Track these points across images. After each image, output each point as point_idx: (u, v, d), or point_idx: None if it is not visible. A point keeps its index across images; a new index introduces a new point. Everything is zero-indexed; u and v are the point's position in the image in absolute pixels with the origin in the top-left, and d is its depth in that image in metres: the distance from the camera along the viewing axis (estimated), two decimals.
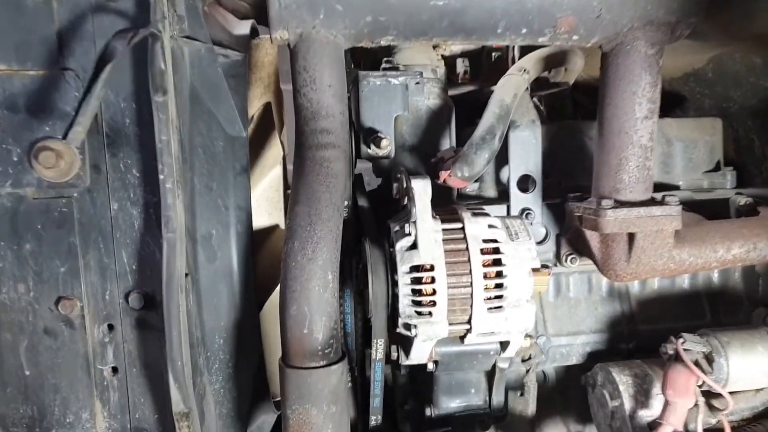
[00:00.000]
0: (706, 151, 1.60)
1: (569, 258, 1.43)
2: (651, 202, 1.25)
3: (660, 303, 1.53)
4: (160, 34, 0.90)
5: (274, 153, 1.41)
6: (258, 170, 1.39)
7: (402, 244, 1.11)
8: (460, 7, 1.07)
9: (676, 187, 1.58)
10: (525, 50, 1.72)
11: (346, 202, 1.31)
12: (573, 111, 2.07)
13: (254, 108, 1.49)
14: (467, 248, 1.11)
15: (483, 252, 1.12)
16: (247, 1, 1.37)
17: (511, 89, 1.37)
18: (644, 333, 1.49)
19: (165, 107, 0.91)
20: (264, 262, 1.35)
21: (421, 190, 1.11)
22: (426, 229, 1.09)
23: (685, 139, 1.59)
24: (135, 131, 0.96)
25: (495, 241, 1.13)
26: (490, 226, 1.14)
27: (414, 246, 1.10)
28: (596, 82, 1.99)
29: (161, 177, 0.91)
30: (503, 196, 1.49)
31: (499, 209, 1.42)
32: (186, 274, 0.97)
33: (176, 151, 0.94)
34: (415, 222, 1.09)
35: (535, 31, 1.15)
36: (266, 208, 1.40)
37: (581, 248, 1.39)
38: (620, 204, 1.23)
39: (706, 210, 1.48)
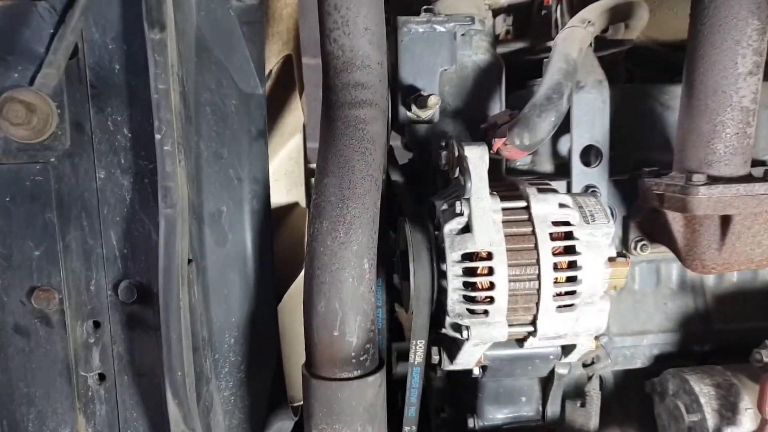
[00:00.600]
0: None
1: (640, 245, 1.21)
2: (752, 177, 1.03)
3: (740, 298, 1.31)
4: None
5: (295, 118, 1.21)
6: (276, 138, 1.19)
7: (452, 227, 0.90)
8: None
9: (762, 163, 1.36)
10: (577, 6, 1.50)
11: (383, 163, 1.11)
12: (627, 79, 1.83)
13: (271, 64, 1.28)
14: (534, 232, 0.90)
15: (553, 237, 0.91)
16: None
17: (576, 42, 1.15)
18: (722, 333, 1.28)
19: (163, 47, 0.71)
20: (282, 245, 1.15)
21: (477, 159, 0.91)
22: (483, 209, 0.88)
23: None
24: (126, 80, 0.75)
25: (567, 223, 0.92)
26: (562, 206, 0.93)
27: (467, 229, 0.89)
28: (657, 47, 1.77)
29: (158, 137, 0.71)
30: (562, 170, 1.27)
31: (558, 186, 1.20)
32: (189, 261, 0.77)
33: (177, 105, 0.74)
34: (468, 199, 0.89)
35: None
36: (285, 183, 1.21)
37: (656, 233, 1.17)
38: (714, 180, 1.01)
39: None
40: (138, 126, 0.76)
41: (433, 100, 1.02)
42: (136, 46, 0.75)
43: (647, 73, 1.85)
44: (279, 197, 1.21)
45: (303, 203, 1.25)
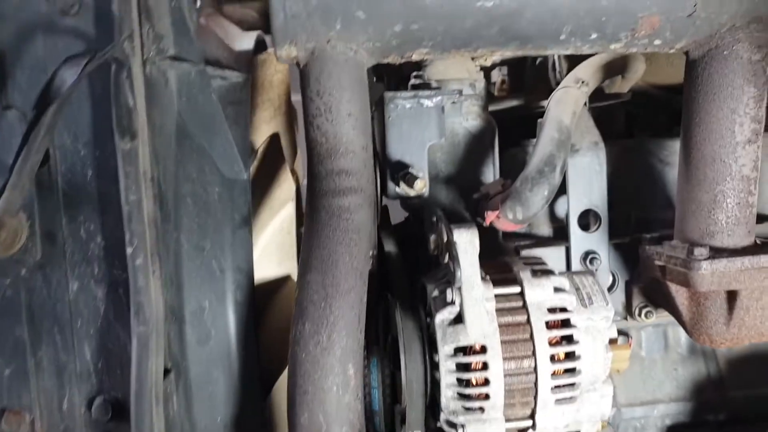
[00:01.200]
0: None
1: (644, 311, 1.17)
2: (756, 249, 0.99)
3: (756, 362, 1.25)
4: (125, 60, 0.68)
5: (285, 189, 1.18)
6: (266, 211, 1.17)
7: (443, 317, 0.87)
8: (515, 9, 0.83)
9: (766, 218, 1.31)
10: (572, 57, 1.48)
11: (370, 252, 1.08)
12: (626, 125, 1.80)
13: (262, 134, 1.26)
14: (529, 321, 0.87)
15: (549, 326, 0.87)
16: (254, 8, 1.14)
17: (569, 106, 1.12)
18: (738, 400, 1.22)
19: (134, 156, 0.68)
20: (274, 323, 1.12)
21: (467, 244, 0.87)
22: (474, 298, 0.85)
23: None
24: (99, 187, 0.73)
25: (564, 310, 0.88)
26: (557, 290, 0.89)
27: (459, 320, 0.86)
28: (655, 91, 1.74)
29: (129, 250, 0.68)
30: (560, 234, 1.24)
31: (556, 252, 1.17)
32: (167, 371, 0.74)
33: (152, 212, 0.72)
34: (460, 288, 0.85)
35: (607, 36, 0.90)
36: (276, 255, 1.18)
37: (660, 301, 1.13)
38: (716, 252, 0.97)
39: None
40: (111, 234, 0.73)
41: (419, 184, 0.99)
42: (109, 152, 0.72)
43: (648, 116, 1.82)
44: (270, 270, 1.18)
45: (296, 276, 1.21)
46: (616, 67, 1.32)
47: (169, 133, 0.84)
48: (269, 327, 1.14)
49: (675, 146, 1.27)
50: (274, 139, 1.14)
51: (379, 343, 1.04)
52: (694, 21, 0.89)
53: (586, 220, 1.18)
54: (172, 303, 0.81)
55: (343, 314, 0.78)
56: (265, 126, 1.27)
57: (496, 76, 1.52)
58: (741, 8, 0.88)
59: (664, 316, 1.17)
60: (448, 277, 0.90)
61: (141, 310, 0.68)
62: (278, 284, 1.18)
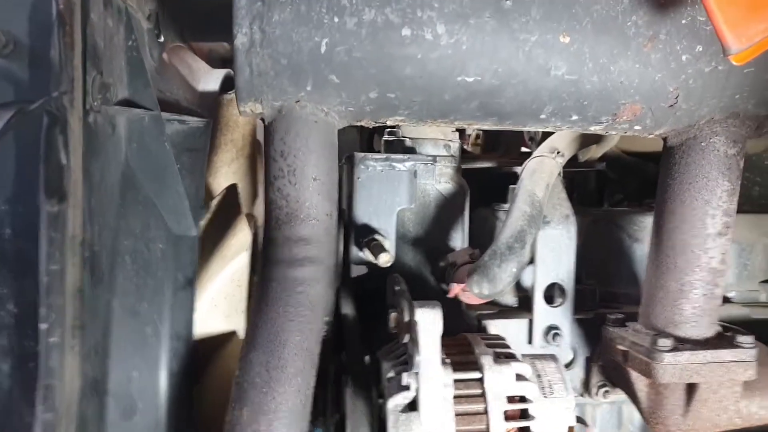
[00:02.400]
0: (765, 257, 1.34)
1: (602, 391, 1.14)
2: (719, 341, 0.97)
3: None
4: (61, 113, 0.60)
5: (240, 238, 1.11)
6: (217, 261, 1.09)
7: (396, 402, 0.81)
8: (496, 87, 0.79)
9: (727, 300, 1.31)
10: None
11: (326, 318, 1.01)
12: (597, 186, 1.80)
13: (221, 177, 1.19)
14: (486, 411, 0.82)
15: (508, 417, 0.82)
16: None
17: (543, 178, 1.09)
18: None
19: (60, 220, 0.61)
20: (214, 385, 1.04)
21: (429, 325, 0.82)
22: (432, 385, 0.79)
23: (740, 241, 1.32)
24: (18, 248, 0.64)
25: (524, 399, 0.84)
26: (519, 377, 0.85)
27: (414, 406, 0.80)
28: (628, 158, 1.75)
29: (43, 326, 0.60)
30: (525, 303, 1.21)
31: (519, 325, 1.14)
32: None
33: (77, 280, 0.64)
34: (417, 373, 0.80)
35: (588, 119, 0.87)
36: (224, 308, 1.10)
37: (619, 383, 1.10)
38: (679, 342, 0.95)
39: (766, 333, 1.20)
40: (27, 301, 0.64)
41: (383, 259, 0.94)
42: (34, 210, 0.64)
43: (621, 178, 1.82)
44: (216, 325, 1.10)
45: (242, 333, 1.14)
46: (592, 136, 1.31)
47: (111, 185, 0.76)
48: (210, 387, 1.06)
49: (645, 221, 1.26)
50: (231, 188, 1.07)
51: (326, 415, 0.97)
52: (675, 111, 0.87)
53: (552, 292, 1.15)
54: (95, 375, 0.72)
55: (287, 401, 0.71)
56: (226, 168, 1.20)
57: (471, 130, 1.49)
58: (720, 103, 0.87)
59: (620, 394, 1.14)
60: (405, 358, 0.85)
61: (50, 394, 0.60)
62: (223, 340, 1.10)
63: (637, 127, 0.91)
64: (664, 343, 0.93)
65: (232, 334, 1.11)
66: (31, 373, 0.64)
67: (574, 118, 0.86)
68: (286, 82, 0.75)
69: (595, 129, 0.90)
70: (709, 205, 0.93)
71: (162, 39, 0.97)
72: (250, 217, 1.20)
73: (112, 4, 0.76)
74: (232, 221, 1.05)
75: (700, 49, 0.81)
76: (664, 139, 0.97)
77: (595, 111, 0.85)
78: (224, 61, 1.26)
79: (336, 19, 0.72)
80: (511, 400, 0.84)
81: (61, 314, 0.60)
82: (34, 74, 0.62)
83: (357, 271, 1.23)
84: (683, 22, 0.80)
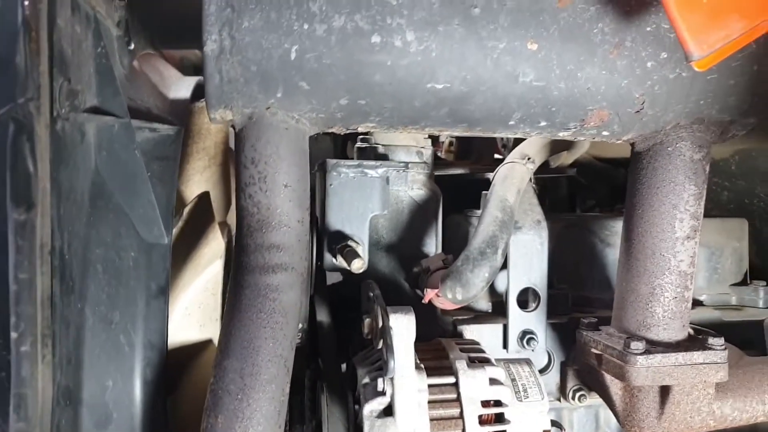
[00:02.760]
0: (734, 260, 1.36)
1: (578, 395, 1.15)
2: (690, 344, 0.98)
3: None
4: (27, 120, 0.60)
5: (213, 247, 1.10)
6: (190, 269, 1.08)
7: (372, 407, 0.81)
8: (465, 94, 0.80)
9: (699, 302, 1.34)
10: None
11: (300, 325, 1.01)
12: (569, 192, 1.83)
13: (193, 185, 1.19)
14: (462, 415, 0.82)
15: (482, 421, 0.83)
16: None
17: (514, 184, 1.10)
18: None
19: (29, 229, 0.60)
20: (188, 394, 1.03)
21: (403, 330, 0.82)
22: (407, 389, 0.80)
23: (709, 245, 1.35)
24: None
25: (499, 403, 0.84)
26: (493, 381, 0.85)
27: (389, 411, 0.80)
28: (599, 164, 1.78)
29: (14, 335, 0.59)
30: (499, 309, 1.21)
31: (494, 330, 1.14)
32: None
33: (46, 288, 0.63)
34: (392, 379, 0.80)
35: (556, 125, 0.89)
36: (198, 317, 1.09)
37: (594, 387, 1.11)
38: (652, 345, 0.96)
39: (736, 335, 1.23)
40: None
41: (356, 265, 0.94)
42: (2, 219, 0.63)
43: (592, 183, 1.85)
44: (190, 334, 1.09)
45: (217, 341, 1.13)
46: (563, 142, 1.33)
47: (81, 193, 0.76)
48: (185, 397, 1.04)
49: (616, 226, 1.28)
50: (203, 196, 1.07)
51: (304, 423, 0.96)
52: (641, 117, 0.89)
53: (525, 297, 1.16)
54: (68, 384, 0.71)
55: (261, 407, 0.71)
56: (198, 176, 1.19)
57: (444, 137, 1.50)
58: (685, 109, 0.89)
59: (596, 398, 1.15)
60: (380, 364, 0.85)
61: (22, 403, 0.59)
62: (198, 349, 1.09)
63: (605, 133, 0.92)
64: (637, 346, 0.94)
65: (207, 343, 1.10)
66: (3, 383, 0.62)
67: (543, 124, 0.88)
68: (256, 89, 0.75)
69: (563, 135, 0.92)
70: (676, 209, 0.95)
71: (132, 46, 0.96)
72: (224, 225, 1.19)
73: (81, 10, 0.75)
74: (204, 229, 1.05)
75: (665, 56, 0.84)
76: (632, 145, 0.99)
77: (563, 117, 0.87)
78: (196, 68, 1.25)
79: (306, 26, 0.72)
80: (485, 404, 0.84)
81: (32, 323, 0.60)
82: (0, 81, 0.62)
83: (332, 278, 1.23)
84: (648, 29, 0.82)
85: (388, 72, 0.76)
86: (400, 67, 0.76)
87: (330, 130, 0.86)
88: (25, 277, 0.59)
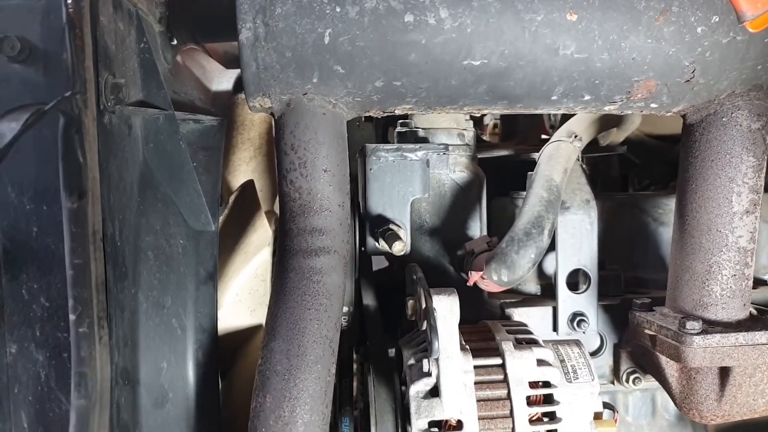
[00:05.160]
0: None
1: (632, 378, 1.12)
2: (752, 323, 0.94)
3: (746, 428, 1.20)
4: (75, 112, 0.63)
5: (261, 234, 1.13)
6: (239, 256, 1.11)
7: (419, 388, 0.81)
8: (503, 69, 0.79)
9: (763, 282, 1.27)
10: None
11: (346, 308, 1.02)
12: (621, 170, 1.77)
13: (239, 176, 1.22)
14: (509, 396, 0.81)
15: (530, 402, 0.81)
16: None
17: (560, 163, 1.07)
18: None
19: (81, 216, 0.63)
20: (242, 377, 1.06)
21: (446, 311, 0.82)
22: (452, 371, 0.79)
23: None
24: (45, 245, 0.67)
25: (547, 384, 0.83)
26: (540, 362, 0.84)
27: (435, 392, 0.80)
28: (652, 141, 1.71)
29: (72, 317, 0.62)
30: (548, 291, 1.19)
31: (543, 312, 1.12)
32: None
33: (100, 273, 0.66)
34: (437, 359, 0.80)
35: (601, 98, 0.86)
36: (249, 304, 1.12)
37: (649, 369, 1.08)
38: (710, 325, 0.92)
39: None
40: (58, 294, 0.67)
41: (398, 247, 0.94)
42: (57, 208, 0.67)
43: (645, 163, 1.78)
44: (242, 319, 1.12)
45: None
46: (611, 120, 1.29)
47: (130, 183, 0.79)
48: (238, 380, 1.08)
49: (670, 204, 1.23)
50: (248, 184, 1.09)
51: (352, 404, 0.98)
52: (692, 86, 0.85)
53: (575, 279, 1.13)
54: (125, 365, 0.75)
55: (308, 387, 0.72)
56: (244, 166, 1.22)
57: (489, 119, 1.47)
58: (741, 76, 0.84)
59: (652, 381, 1.11)
60: (425, 345, 0.85)
61: (83, 381, 0.62)
62: (249, 333, 1.12)
63: (653, 105, 0.89)
64: (693, 325, 0.90)
65: (257, 328, 1.12)
66: (65, 363, 0.66)
67: (587, 98, 0.85)
68: (292, 75, 0.76)
69: (609, 109, 0.89)
70: (733, 182, 0.90)
71: (175, 42, 0.99)
72: (271, 214, 1.22)
73: (122, 7, 0.78)
74: (251, 217, 1.07)
75: (716, 19, 0.79)
76: (684, 117, 0.94)
77: (608, 90, 0.84)
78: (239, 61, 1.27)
79: (338, 9, 0.72)
80: (533, 385, 0.83)
81: (88, 306, 0.63)
82: (49, 77, 0.65)
83: (379, 263, 1.24)
84: None
85: (422, 51, 0.76)
86: (435, 45, 0.75)
87: (367, 114, 0.86)
88: (80, 263, 0.62)
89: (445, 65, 0.77)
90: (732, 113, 0.89)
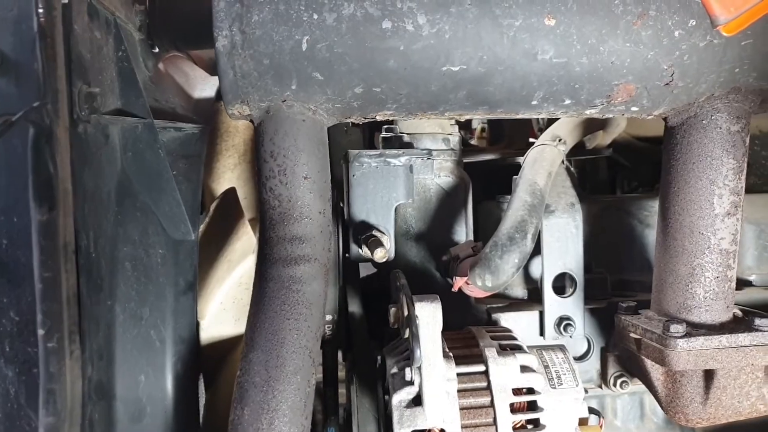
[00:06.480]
0: None
1: (620, 381, 1.11)
2: (735, 325, 0.94)
3: (732, 430, 1.20)
4: (46, 123, 0.62)
5: (244, 242, 1.12)
6: (223, 265, 1.10)
7: (401, 397, 0.80)
8: (482, 74, 0.78)
9: (748, 283, 1.27)
10: None
11: (329, 317, 1.02)
12: (609, 173, 1.77)
13: (224, 183, 1.21)
14: (492, 403, 0.81)
15: (514, 409, 0.81)
16: None
17: (544, 167, 1.07)
18: None
19: (51, 228, 0.62)
20: (226, 389, 1.04)
21: (429, 318, 0.81)
22: (434, 379, 0.79)
23: (758, 222, 1.28)
24: (15, 258, 0.66)
25: (531, 391, 0.82)
26: (524, 369, 0.83)
27: (418, 401, 0.79)
28: (639, 143, 1.71)
29: (41, 332, 0.61)
30: (535, 295, 1.19)
31: (530, 317, 1.12)
32: None
33: (72, 286, 0.65)
34: (419, 367, 0.79)
35: (581, 102, 0.86)
36: (233, 312, 1.10)
37: (636, 372, 1.07)
38: (694, 328, 0.92)
39: None
40: (27, 308, 0.66)
41: (379, 254, 0.94)
42: (28, 220, 0.66)
43: (633, 164, 1.79)
44: (226, 328, 1.11)
45: None
46: (597, 122, 1.29)
47: (107, 193, 0.78)
48: (223, 390, 1.06)
49: (655, 206, 1.22)
50: (230, 192, 1.08)
51: (338, 414, 0.97)
52: (672, 90, 0.85)
53: (562, 282, 1.13)
54: (100, 379, 0.74)
55: (287, 399, 0.71)
56: (229, 174, 1.21)
57: (476, 123, 1.47)
58: (719, 79, 0.84)
59: (639, 385, 1.11)
60: (408, 353, 0.84)
61: (52, 398, 0.61)
62: (233, 343, 1.11)
63: (634, 108, 0.89)
64: (677, 329, 0.90)
65: (242, 337, 1.11)
66: (35, 379, 0.65)
67: (567, 102, 0.85)
68: (270, 82, 0.75)
69: (591, 113, 0.89)
70: (714, 184, 0.90)
71: (156, 49, 0.98)
72: (255, 222, 1.21)
73: (99, 16, 0.77)
74: (233, 225, 1.06)
75: (693, 23, 0.79)
76: (665, 120, 0.94)
77: (588, 94, 0.84)
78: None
79: (315, 16, 0.72)
80: (517, 392, 0.82)
81: (58, 320, 0.62)
82: (20, 87, 0.64)
83: (368, 269, 1.23)
84: None
85: (401, 57, 0.75)
86: (414, 51, 0.75)
87: (348, 120, 0.85)
88: (50, 276, 0.61)
89: (424, 71, 0.77)
90: (712, 116, 0.89)
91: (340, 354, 1.16)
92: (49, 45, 0.63)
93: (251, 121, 0.82)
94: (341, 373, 1.11)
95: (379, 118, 0.85)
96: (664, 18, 0.78)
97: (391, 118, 0.86)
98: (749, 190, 1.33)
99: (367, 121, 0.86)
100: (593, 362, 1.14)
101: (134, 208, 0.83)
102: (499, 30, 0.75)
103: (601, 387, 1.15)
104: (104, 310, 0.76)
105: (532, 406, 0.82)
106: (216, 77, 1.16)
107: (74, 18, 0.68)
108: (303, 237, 0.79)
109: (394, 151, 1.00)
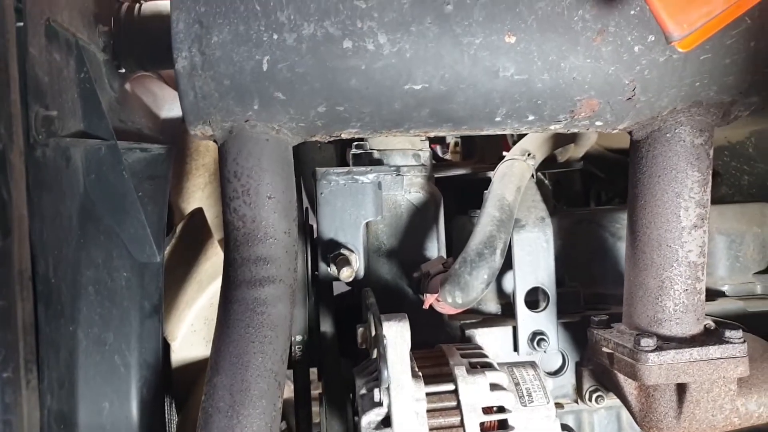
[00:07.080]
0: (756, 247, 1.30)
1: (595, 396, 1.11)
2: (706, 338, 0.94)
3: None
4: None
5: (215, 263, 1.11)
6: (193, 286, 1.09)
7: (370, 419, 0.79)
8: (445, 93, 0.79)
9: (721, 293, 1.28)
10: None
11: (299, 337, 1.01)
12: (582, 184, 1.78)
13: (195, 202, 1.20)
14: (462, 423, 0.80)
15: (485, 428, 0.80)
16: None
17: (513, 182, 1.08)
18: None
19: (5, 256, 0.61)
20: (197, 411, 1.03)
21: (397, 338, 0.80)
22: (403, 399, 0.78)
23: (728, 232, 1.29)
24: None
25: (502, 409, 0.82)
26: (494, 387, 0.83)
27: (387, 422, 0.78)
28: (611, 154, 1.73)
29: None
30: (508, 311, 1.18)
31: (504, 332, 1.11)
32: None
33: (28, 315, 0.63)
34: (388, 388, 0.78)
35: (545, 118, 0.86)
36: (204, 334, 1.09)
37: (610, 386, 1.07)
38: (664, 341, 0.92)
39: (763, 326, 1.17)
40: None
41: (345, 274, 0.93)
42: None
43: (608, 175, 1.80)
44: (197, 350, 1.10)
45: None
46: (566, 136, 1.30)
47: (68, 217, 0.77)
48: (194, 413, 1.05)
49: (626, 219, 1.24)
50: (197, 212, 1.07)
51: None
52: (634, 104, 0.86)
53: (534, 297, 1.13)
54: (61, 408, 0.72)
55: (252, 424, 0.70)
56: (199, 193, 1.20)
57: (450, 138, 1.47)
58: (680, 93, 0.85)
59: (615, 399, 1.11)
60: (377, 373, 0.83)
61: (8, 429, 0.60)
62: (205, 364, 1.09)
63: (598, 123, 0.89)
64: (647, 342, 0.90)
65: None
66: None
67: (531, 118, 0.85)
68: (232, 103, 0.75)
69: (555, 128, 0.89)
70: (680, 197, 0.91)
71: (123, 70, 0.98)
72: None
73: (59, 38, 0.77)
74: (202, 246, 1.05)
75: (653, 38, 0.80)
76: (630, 134, 0.95)
77: (551, 110, 0.84)
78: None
79: (275, 36, 0.72)
80: (487, 410, 0.82)
81: (13, 349, 0.60)
82: None
83: (340, 286, 1.22)
84: (632, 12, 0.79)
85: (363, 76, 0.75)
86: (375, 70, 0.75)
87: (314, 139, 0.85)
88: (3, 304, 0.60)
89: (387, 90, 0.77)
90: (675, 129, 0.90)
91: (316, 372, 1.15)
92: (2, 69, 0.62)
93: (215, 141, 0.82)
94: (316, 392, 1.09)
95: (344, 136, 0.85)
96: (623, 34, 0.79)
97: (356, 136, 0.86)
98: (720, 200, 1.34)
99: (332, 139, 0.86)
100: (568, 377, 1.14)
101: (98, 231, 0.82)
102: (459, 48, 0.76)
103: (577, 402, 1.14)
104: (66, 337, 0.74)
105: (503, 425, 0.81)
106: None
107: (29, 41, 0.68)
108: (267, 258, 0.78)
109: (362, 169, 1.00)
